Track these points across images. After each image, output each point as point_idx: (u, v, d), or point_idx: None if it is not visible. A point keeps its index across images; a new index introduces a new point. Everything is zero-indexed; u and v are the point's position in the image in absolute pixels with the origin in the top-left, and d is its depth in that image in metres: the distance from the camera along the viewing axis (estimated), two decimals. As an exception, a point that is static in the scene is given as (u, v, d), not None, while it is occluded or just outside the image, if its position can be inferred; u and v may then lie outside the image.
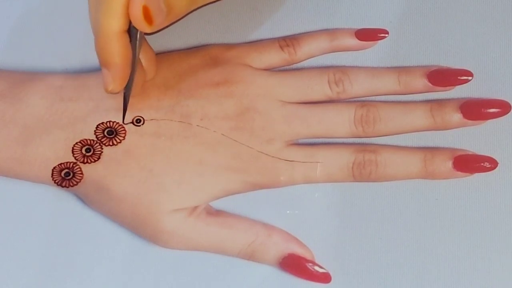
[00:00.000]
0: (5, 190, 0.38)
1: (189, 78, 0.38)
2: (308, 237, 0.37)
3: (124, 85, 0.35)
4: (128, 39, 0.34)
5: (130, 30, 0.34)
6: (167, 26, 0.34)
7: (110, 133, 0.37)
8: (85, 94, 0.38)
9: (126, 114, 0.37)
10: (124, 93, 0.36)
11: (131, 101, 0.37)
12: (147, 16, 0.32)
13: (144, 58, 0.37)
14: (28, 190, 0.38)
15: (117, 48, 0.33)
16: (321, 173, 0.37)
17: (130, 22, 0.33)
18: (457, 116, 0.38)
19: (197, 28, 0.41)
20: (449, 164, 0.37)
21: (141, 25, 0.33)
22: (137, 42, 0.34)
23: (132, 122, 0.37)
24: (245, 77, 0.38)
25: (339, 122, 0.38)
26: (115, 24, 0.33)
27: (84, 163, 0.37)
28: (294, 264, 0.37)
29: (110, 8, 0.33)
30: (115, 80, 0.34)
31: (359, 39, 0.40)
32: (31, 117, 0.37)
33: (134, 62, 0.35)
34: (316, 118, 0.38)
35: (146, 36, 0.37)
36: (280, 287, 0.37)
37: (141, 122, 0.37)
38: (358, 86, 0.39)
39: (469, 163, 0.37)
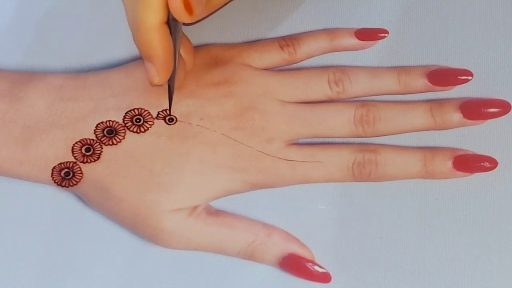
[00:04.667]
0: (5, 190, 0.38)
1: (189, 78, 0.38)
2: (308, 237, 0.37)
3: (169, 77, 0.35)
4: (168, 31, 0.34)
5: (170, 22, 0.34)
6: (203, 18, 0.34)
7: (110, 133, 0.37)
8: (85, 93, 0.38)
9: (126, 114, 0.37)
10: (169, 85, 0.36)
11: (130, 100, 0.37)
12: (188, 6, 0.32)
13: (182, 49, 0.36)
14: (28, 190, 0.38)
15: (159, 41, 0.33)
16: (321, 173, 0.37)
17: (169, 14, 0.33)
18: (457, 116, 0.38)
19: (197, 28, 0.41)
20: (449, 164, 0.37)
21: (182, 16, 0.32)
22: (178, 33, 0.34)
23: (132, 121, 0.37)
24: (245, 77, 0.38)
25: (339, 122, 0.38)
26: (155, 17, 0.33)
27: (84, 162, 0.37)
28: (294, 264, 0.37)
29: (149, 2, 0.33)
30: (160, 72, 0.35)
31: (359, 39, 0.40)
32: (31, 117, 0.37)
33: (176, 53, 0.35)
34: (316, 118, 0.38)
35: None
36: (280, 287, 0.37)
37: (141, 122, 0.37)
38: (358, 85, 0.39)
39: (469, 163, 0.37)
